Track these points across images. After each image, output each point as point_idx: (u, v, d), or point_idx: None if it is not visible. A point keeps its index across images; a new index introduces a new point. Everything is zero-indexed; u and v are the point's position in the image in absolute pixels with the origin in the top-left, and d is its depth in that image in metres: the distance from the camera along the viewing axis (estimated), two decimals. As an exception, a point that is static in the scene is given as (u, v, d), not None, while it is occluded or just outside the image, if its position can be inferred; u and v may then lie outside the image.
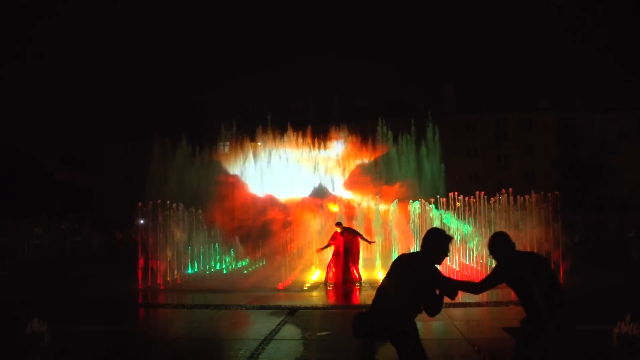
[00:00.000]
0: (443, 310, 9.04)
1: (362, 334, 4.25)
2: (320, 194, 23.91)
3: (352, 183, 25.12)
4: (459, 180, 39.02)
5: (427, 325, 8.33)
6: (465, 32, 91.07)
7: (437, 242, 4.10)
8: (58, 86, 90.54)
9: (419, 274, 3.96)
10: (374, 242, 14.60)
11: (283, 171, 25.42)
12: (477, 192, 15.03)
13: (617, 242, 20.21)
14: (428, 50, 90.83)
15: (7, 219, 22.40)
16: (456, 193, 15.69)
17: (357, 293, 11.66)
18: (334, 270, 12.53)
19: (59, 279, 15.06)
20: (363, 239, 13.30)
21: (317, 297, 11.11)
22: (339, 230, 12.74)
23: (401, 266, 4.11)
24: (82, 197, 47.27)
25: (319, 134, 26.61)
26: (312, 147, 26.14)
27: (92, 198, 48.89)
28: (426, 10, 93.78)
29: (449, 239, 4.13)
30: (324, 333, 7.63)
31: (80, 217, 28.34)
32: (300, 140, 26.38)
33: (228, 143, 27.82)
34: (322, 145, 26.16)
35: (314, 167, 25.58)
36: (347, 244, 12.54)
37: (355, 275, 12.54)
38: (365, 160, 25.73)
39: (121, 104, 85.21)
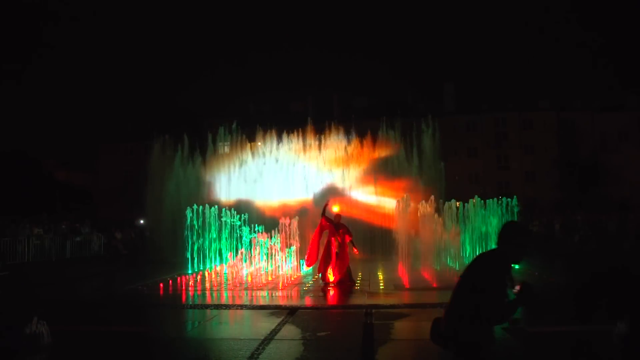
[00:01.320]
0: (442, 310, 9.05)
1: (435, 340, 3.76)
2: (326, 196, 23.96)
3: (356, 184, 25.09)
4: (459, 180, 39.10)
5: (425, 325, 8.33)
6: (465, 32, 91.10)
7: (512, 237, 3.52)
8: (58, 87, 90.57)
9: (482, 271, 3.46)
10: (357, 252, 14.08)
11: (282, 173, 25.39)
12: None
13: (618, 242, 20.21)
14: (428, 50, 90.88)
15: (7, 219, 22.39)
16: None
17: (357, 293, 11.63)
18: (330, 269, 12.51)
19: (59, 278, 15.05)
20: (352, 243, 12.93)
21: (317, 297, 11.11)
22: (336, 210, 12.75)
23: (471, 264, 3.64)
24: (82, 197, 47.26)
25: (319, 134, 26.60)
26: (311, 148, 26.12)
27: (92, 198, 48.88)
28: (426, 10, 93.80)
29: (528, 233, 3.59)
30: (324, 333, 7.63)
31: (80, 217, 28.32)
32: (300, 140, 26.36)
33: (228, 143, 27.82)
34: (322, 145, 26.13)
35: (315, 168, 25.57)
36: (340, 242, 12.49)
37: (348, 275, 12.52)
38: (366, 161, 25.70)
39: (121, 104, 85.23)
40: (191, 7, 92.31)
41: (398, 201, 14.91)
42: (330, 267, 12.46)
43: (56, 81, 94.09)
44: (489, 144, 46.98)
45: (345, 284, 12.34)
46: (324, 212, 13.09)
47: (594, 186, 39.15)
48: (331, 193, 24.10)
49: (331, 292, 11.70)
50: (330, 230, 12.67)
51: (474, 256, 3.75)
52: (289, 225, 15.75)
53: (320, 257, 12.81)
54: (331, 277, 12.44)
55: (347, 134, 26.45)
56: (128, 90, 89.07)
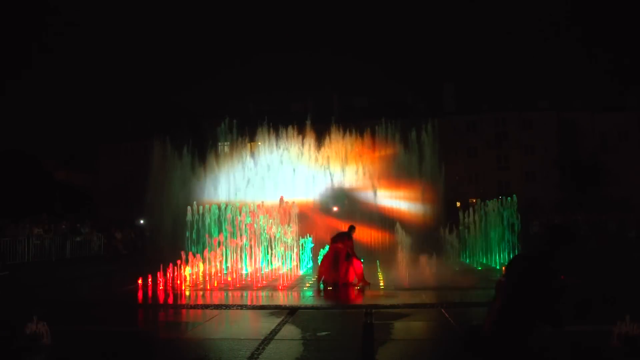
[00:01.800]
0: (442, 310, 9.06)
1: (473, 349, 3.55)
2: (332, 196, 24.00)
3: (355, 184, 25.08)
4: (459, 180, 39.11)
5: (425, 325, 8.33)
6: (464, 33, 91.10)
7: (561, 241, 3.38)
8: (58, 87, 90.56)
9: (533, 276, 3.31)
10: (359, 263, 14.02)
11: (283, 173, 25.38)
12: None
13: (618, 242, 20.22)
14: (428, 50, 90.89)
15: (7, 219, 22.39)
16: None
17: (357, 293, 11.64)
18: (332, 271, 12.46)
19: (59, 278, 15.05)
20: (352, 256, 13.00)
21: (317, 297, 11.10)
22: (352, 233, 12.83)
23: (516, 267, 3.50)
24: (82, 197, 47.26)
25: (319, 134, 26.62)
26: (312, 148, 26.13)
27: (92, 198, 48.89)
28: (426, 10, 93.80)
29: (575, 237, 3.44)
30: (324, 333, 7.62)
31: (80, 217, 28.33)
32: (300, 140, 26.38)
33: (228, 143, 27.84)
34: (322, 145, 26.15)
35: (315, 169, 25.57)
36: (349, 249, 12.53)
37: (353, 278, 12.47)
38: (366, 161, 25.69)
39: (121, 104, 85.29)
40: (192, 9, 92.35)
41: (397, 226, 14.64)
42: (341, 273, 12.39)
43: (57, 81, 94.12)
44: (489, 144, 46.98)
45: (352, 284, 12.31)
46: (350, 235, 13.02)
47: (594, 186, 39.15)
48: (331, 193, 24.12)
49: (331, 292, 11.70)
50: (345, 243, 12.63)
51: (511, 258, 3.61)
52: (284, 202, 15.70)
53: (327, 267, 12.79)
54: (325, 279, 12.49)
55: (347, 134, 26.47)
56: (128, 90, 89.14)
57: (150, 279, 12.52)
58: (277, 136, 26.48)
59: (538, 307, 3.26)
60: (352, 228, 13.21)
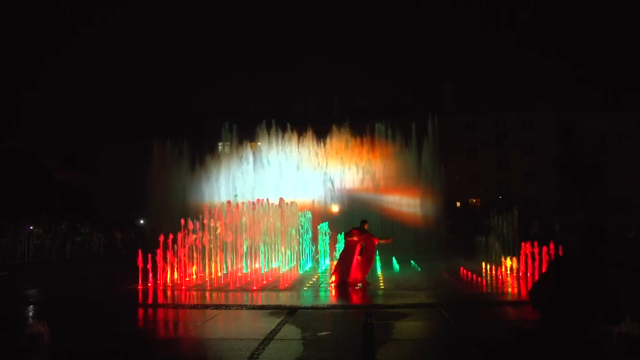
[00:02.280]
0: (442, 310, 9.05)
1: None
2: (332, 197, 24.00)
3: (355, 184, 25.07)
4: (458, 180, 39.08)
5: (425, 325, 8.33)
6: (465, 32, 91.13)
7: (599, 240, 3.50)
8: (58, 87, 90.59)
9: (598, 277, 3.40)
10: (390, 240, 14.30)
11: (283, 173, 25.35)
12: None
13: (618, 242, 20.18)
14: (428, 50, 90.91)
15: (7, 219, 22.38)
16: None
17: (357, 293, 11.63)
18: (342, 270, 12.42)
19: (59, 278, 15.05)
20: (380, 240, 13.08)
21: (317, 297, 11.10)
22: (365, 227, 12.81)
23: (558, 273, 3.54)
24: (82, 197, 47.21)
25: (319, 134, 26.61)
26: (312, 148, 26.12)
27: (92, 198, 48.85)
28: (426, 10, 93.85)
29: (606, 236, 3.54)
30: (324, 333, 7.62)
31: (80, 217, 28.31)
32: (300, 141, 26.36)
33: (228, 143, 27.83)
34: (322, 146, 26.13)
35: (315, 169, 25.55)
36: (362, 247, 12.47)
37: (360, 278, 12.43)
38: (366, 161, 25.68)
39: (121, 105, 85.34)
40: (193, 9, 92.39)
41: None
42: (352, 269, 12.35)
43: (57, 81, 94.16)
44: (489, 144, 46.97)
45: (351, 285, 12.28)
46: (362, 229, 12.99)
47: (594, 186, 39.10)
48: (331, 194, 24.13)
49: (331, 292, 11.70)
50: (359, 238, 12.60)
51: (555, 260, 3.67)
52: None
53: (338, 264, 12.80)
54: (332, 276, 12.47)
55: (347, 134, 26.45)
56: (129, 90, 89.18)
57: (150, 279, 12.52)
58: (277, 137, 26.47)
59: (598, 304, 3.38)
60: (364, 222, 13.21)
